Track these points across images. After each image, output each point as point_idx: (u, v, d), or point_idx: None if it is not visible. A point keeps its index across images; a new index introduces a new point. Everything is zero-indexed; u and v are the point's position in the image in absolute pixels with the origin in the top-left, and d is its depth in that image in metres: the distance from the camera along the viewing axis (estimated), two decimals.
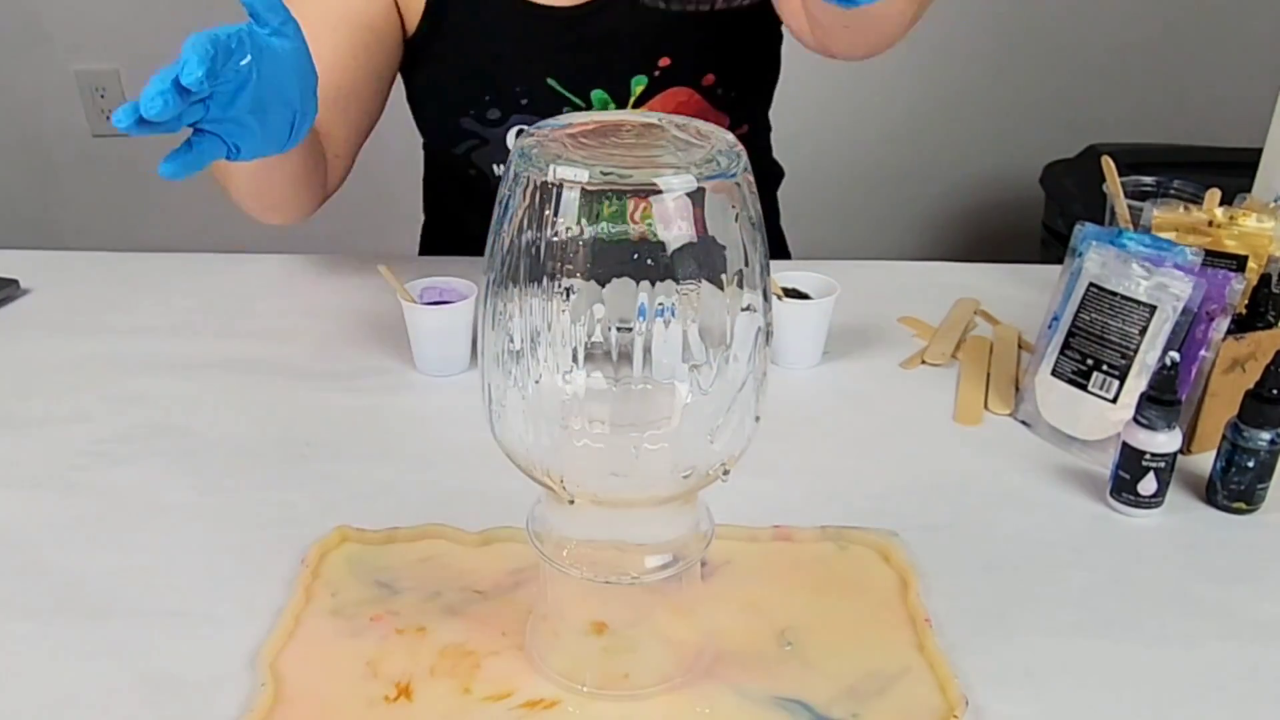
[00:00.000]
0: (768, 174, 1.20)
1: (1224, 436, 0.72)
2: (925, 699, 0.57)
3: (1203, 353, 0.76)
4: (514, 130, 1.02)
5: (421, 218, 1.24)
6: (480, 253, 0.51)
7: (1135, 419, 0.71)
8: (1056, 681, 0.59)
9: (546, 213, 0.47)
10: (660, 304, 0.47)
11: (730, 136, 0.50)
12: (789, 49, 1.07)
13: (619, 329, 0.48)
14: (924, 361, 0.92)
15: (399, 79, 1.05)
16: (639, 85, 1.00)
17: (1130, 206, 0.90)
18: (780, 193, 1.22)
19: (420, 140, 1.14)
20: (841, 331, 0.94)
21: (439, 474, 0.76)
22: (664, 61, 0.99)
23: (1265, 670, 0.60)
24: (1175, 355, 0.70)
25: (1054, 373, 0.81)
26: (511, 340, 0.50)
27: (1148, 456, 0.70)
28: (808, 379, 0.91)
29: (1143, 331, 0.76)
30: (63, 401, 0.86)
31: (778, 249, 1.22)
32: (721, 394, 0.50)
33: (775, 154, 1.20)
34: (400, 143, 1.15)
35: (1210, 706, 0.57)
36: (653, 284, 0.47)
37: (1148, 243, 0.78)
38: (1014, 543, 0.70)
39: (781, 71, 1.12)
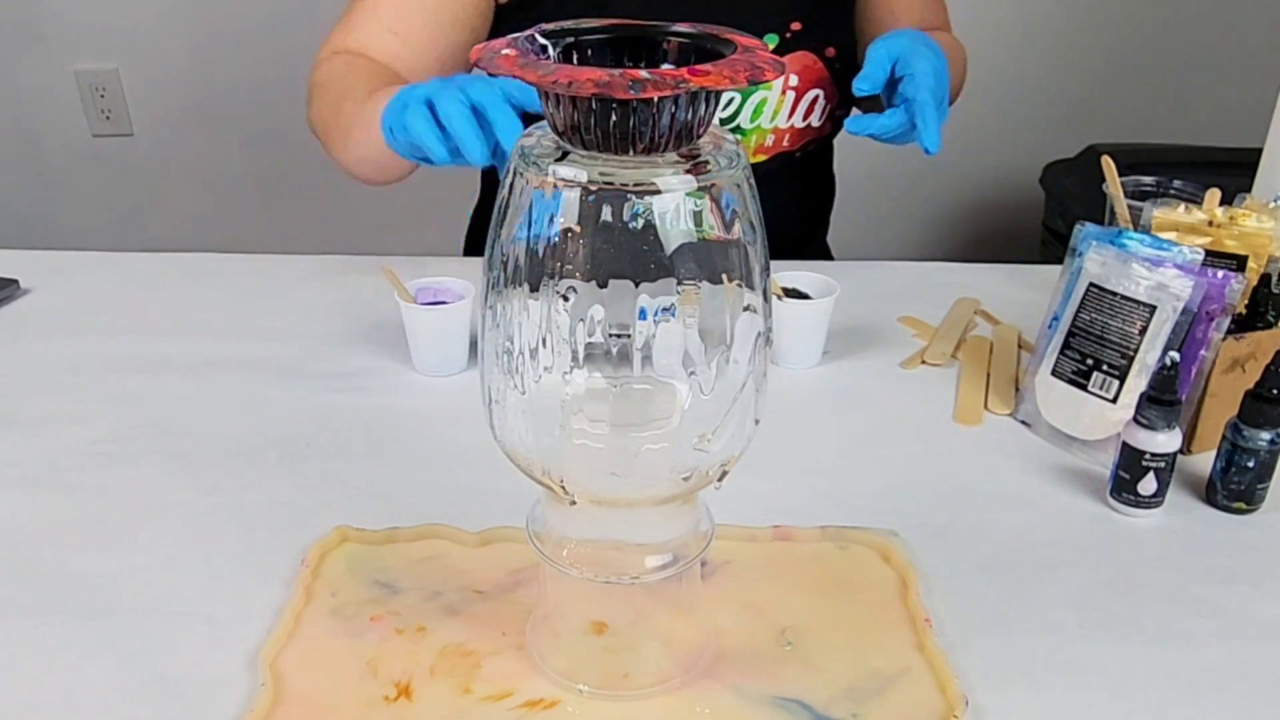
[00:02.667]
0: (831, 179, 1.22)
1: (1224, 436, 0.72)
2: (925, 699, 0.57)
3: (1203, 353, 0.76)
4: None
5: (418, 217, 1.24)
6: None
7: (1135, 419, 0.71)
8: (1056, 681, 0.59)
9: (546, 213, 0.47)
10: (660, 305, 0.47)
11: (731, 136, 0.50)
12: None
13: (616, 334, 0.48)
14: (924, 361, 0.93)
15: None
16: (770, 43, 1.01)
17: (1130, 206, 0.90)
18: None
19: None
20: (841, 331, 0.94)
21: (439, 474, 0.76)
22: (795, 25, 1.01)
23: (1265, 670, 0.60)
24: (1175, 355, 0.70)
25: (1054, 373, 0.81)
26: (511, 341, 0.50)
27: (1148, 456, 0.70)
28: (808, 379, 0.91)
29: (1143, 331, 0.76)
30: (63, 401, 0.86)
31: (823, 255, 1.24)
32: (721, 395, 0.50)
33: None
34: None
35: (1210, 706, 0.57)
36: (652, 284, 0.47)
37: (1148, 243, 0.78)
38: (1014, 543, 0.70)
39: None
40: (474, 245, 1.25)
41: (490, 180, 1.22)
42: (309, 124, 1.00)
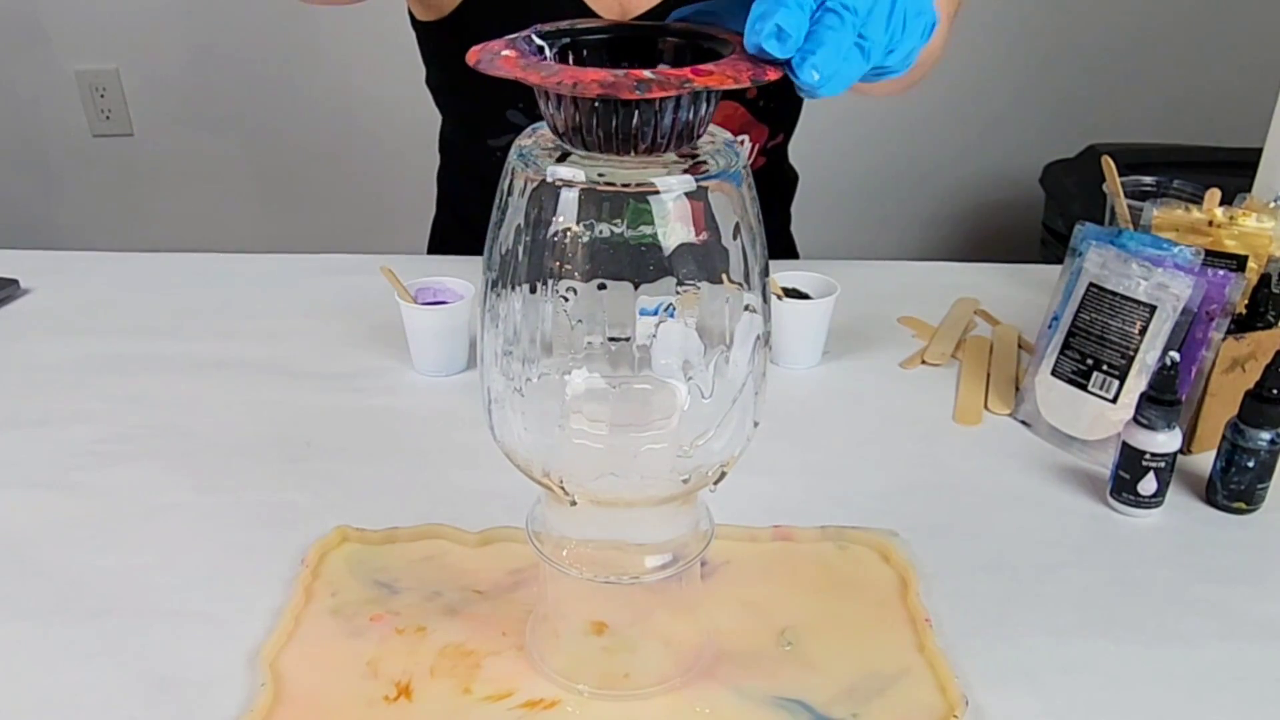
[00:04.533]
0: (789, 178, 1.20)
1: (1224, 436, 0.72)
2: (925, 699, 0.57)
3: (1203, 353, 0.76)
4: None
5: (419, 217, 1.24)
6: None
7: (1135, 419, 0.71)
8: (1056, 681, 0.59)
9: (545, 213, 0.47)
10: (660, 305, 0.47)
11: (729, 136, 0.50)
12: None
13: (615, 338, 0.48)
14: (924, 361, 0.93)
15: (424, 65, 1.03)
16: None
17: (1130, 206, 0.90)
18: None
19: (418, 139, 1.13)
20: (841, 331, 0.94)
21: (439, 474, 0.76)
22: None
23: (1265, 670, 0.60)
24: (1175, 355, 0.70)
25: (1054, 373, 0.81)
26: (510, 341, 0.50)
27: (1148, 456, 0.70)
28: (808, 379, 0.91)
29: (1143, 331, 0.76)
30: (63, 401, 0.86)
31: (788, 251, 1.22)
32: (721, 396, 0.50)
33: None
34: (402, 144, 1.15)
35: (1210, 706, 0.57)
36: (652, 284, 0.47)
37: (1148, 243, 0.78)
38: (1014, 543, 0.70)
39: None
40: (438, 239, 1.23)
41: (446, 195, 1.22)
42: None
